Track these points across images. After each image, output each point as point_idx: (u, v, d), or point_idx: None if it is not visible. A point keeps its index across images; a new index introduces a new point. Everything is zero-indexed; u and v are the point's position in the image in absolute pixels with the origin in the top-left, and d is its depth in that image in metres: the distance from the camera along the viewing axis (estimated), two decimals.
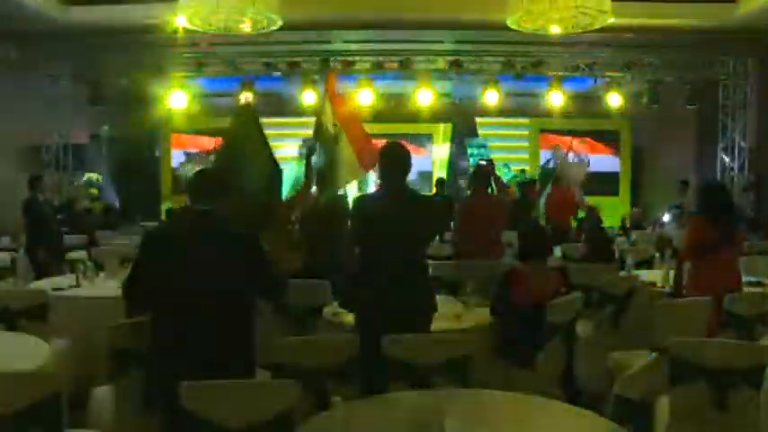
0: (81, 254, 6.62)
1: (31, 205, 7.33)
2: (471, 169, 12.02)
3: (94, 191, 11.47)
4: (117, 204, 12.04)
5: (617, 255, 6.37)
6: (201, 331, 2.71)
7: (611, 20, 6.04)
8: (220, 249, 2.81)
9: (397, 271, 3.31)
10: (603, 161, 13.67)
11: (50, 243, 7.27)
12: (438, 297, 4.56)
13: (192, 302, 2.72)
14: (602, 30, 6.77)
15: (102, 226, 9.48)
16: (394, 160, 3.45)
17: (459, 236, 5.75)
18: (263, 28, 6.46)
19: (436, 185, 9.82)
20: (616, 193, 13.31)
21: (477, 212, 5.49)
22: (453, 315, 3.89)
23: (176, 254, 2.79)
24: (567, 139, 10.60)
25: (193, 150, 13.59)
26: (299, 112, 12.30)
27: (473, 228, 5.46)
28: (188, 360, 2.68)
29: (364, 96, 10.83)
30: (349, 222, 3.82)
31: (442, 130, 13.85)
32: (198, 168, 3.43)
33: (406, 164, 3.47)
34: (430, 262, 5.83)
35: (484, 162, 6.35)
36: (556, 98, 10.96)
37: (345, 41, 10.40)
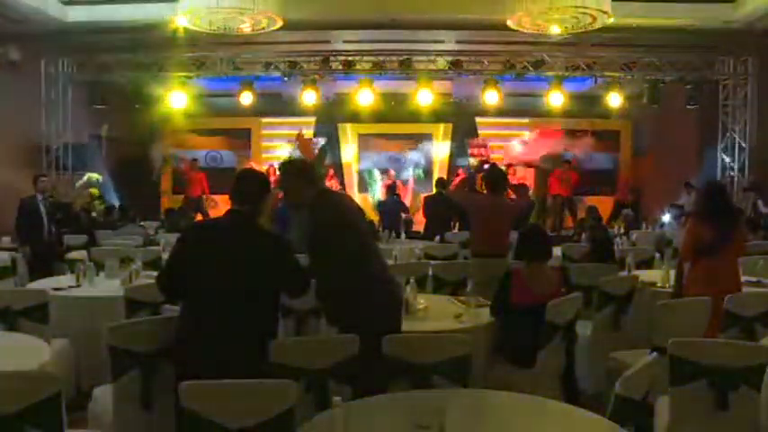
0: (81, 254, 6.61)
1: (25, 204, 7.32)
2: (471, 168, 12.07)
3: (94, 191, 11.46)
4: (117, 204, 12.02)
5: (617, 255, 6.37)
6: (228, 329, 2.75)
7: (611, 20, 6.04)
8: (253, 249, 2.87)
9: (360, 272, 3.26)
10: (603, 160, 13.72)
11: (39, 241, 7.24)
12: (438, 297, 4.61)
13: (220, 300, 2.77)
14: (602, 30, 6.79)
15: (103, 226, 9.47)
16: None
17: (474, 235, 5.73)
18: (263, 28, 6.47)
19: (436, 185, 9.82)
20: (615, 193, 13.32)
21: (494, 212, 5.47)
22: (453, 315, 3.89)
23: (210, 251, 2.85)
24: None
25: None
26: (298, 112, 12.32)
27: (488, 227, 5.45)
28: (213, 351, 2.72)
29: (364, 96, 10.83)
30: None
31: (442, 130, 13.86)
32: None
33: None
34: (431, 262, 5.88)
35: (487, 164, 6.35)
36: (556, 98, 10.95)
37: (345, 41, 10.40)
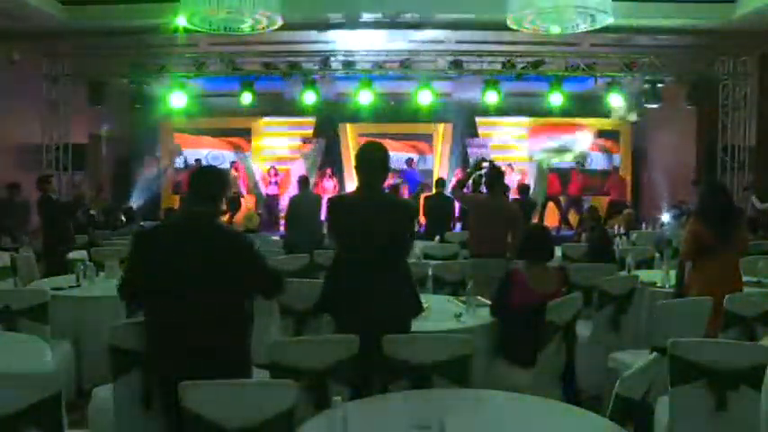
0: (81, 254, 6.60)
1: (46, 204, 7.34)
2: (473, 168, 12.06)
3: (94, 191, 11.47)
4: (117, 204, 12.03)
5: (617, 255, 6.37)
6: (192, 329, 2.69)
7: (611, 20, 6.03)
8: (209, 248, 2.77)
9: (367, 273, 3.14)
10: (602, 160, 13.71)
11: (66, 240, 7.30)
12: (438, 297, 4.61)
13: (181, 301, 2.69)
14: (602, 30, 6.77)
15: (103, 226, 9.48)
16: (368, 160, 3.27)
17: (473, 235, 5.72)
18: (264, 28, 6.46)
19: (436, 185, 9.81)
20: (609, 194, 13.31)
21: (493, 212, 5.46)
22: (453, 315, 3.89)
23: (166, 252, 2.76)
24: None
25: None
26: (298, 112, 12.32)
27: (487, 228, 5.43)
28: (181, 358, 2.66)
29: (364, 96, 10.82)
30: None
31: (442, 130, 13.85)
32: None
33: (381, 164, 3.26)
34: (431, 262, 5.87)
35: (486, 163, 6.32)
36: (556, 98, 10.94)
37: (345, 41, 10.40)
